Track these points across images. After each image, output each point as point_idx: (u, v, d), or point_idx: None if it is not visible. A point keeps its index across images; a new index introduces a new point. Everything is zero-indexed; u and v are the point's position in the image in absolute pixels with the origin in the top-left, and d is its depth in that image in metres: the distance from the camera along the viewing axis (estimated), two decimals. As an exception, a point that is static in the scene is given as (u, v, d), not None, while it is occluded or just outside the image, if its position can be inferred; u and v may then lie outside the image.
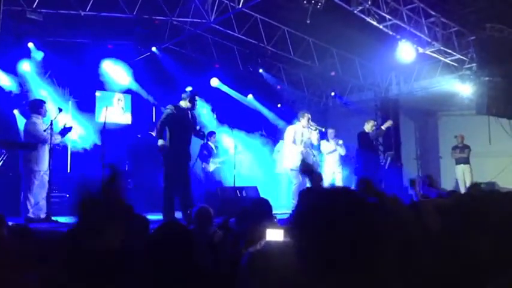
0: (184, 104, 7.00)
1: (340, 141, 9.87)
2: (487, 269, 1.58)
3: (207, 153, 9.95)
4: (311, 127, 8.28)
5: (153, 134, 9.69)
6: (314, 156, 8.42)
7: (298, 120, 8.49)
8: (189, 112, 7.01)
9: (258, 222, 2.63)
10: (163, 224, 2.32)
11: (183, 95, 7.09)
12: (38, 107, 6.98)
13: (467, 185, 10.86)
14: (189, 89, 7.65)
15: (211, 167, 9.90)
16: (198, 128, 7.15)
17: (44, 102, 7.15)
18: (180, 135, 6.83)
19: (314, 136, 8.32)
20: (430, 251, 1.97)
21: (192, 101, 6.99)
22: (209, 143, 10.13)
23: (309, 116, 8.39)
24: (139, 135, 10.38)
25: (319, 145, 9.58)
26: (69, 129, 7.04)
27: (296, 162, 8.10)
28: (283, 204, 9.21)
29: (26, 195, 6.76)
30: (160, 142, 6.72)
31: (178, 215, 6.81)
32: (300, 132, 8.32)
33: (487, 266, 1.70)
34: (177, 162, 6.80)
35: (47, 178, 6.80)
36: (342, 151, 9.80)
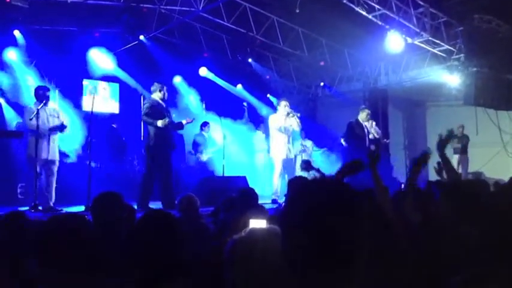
0: (157, 96, 7.07)
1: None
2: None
3: (200, 144, 9.94)
4: (289, 114, 8.29)
5: (114, 125, 9.69)
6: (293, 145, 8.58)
7: (277, 109, 8.58)
8: (163, 103, 7.06)
9: (243, 211, 2.63)
10: (148, 212, 2.30)
11: (153, 88, 7.18)
12: (36, 94, 6.81)
13: (463, 174, 10.94)
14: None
15: (204, 157, 9.90)
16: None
17: (42, 89, 6.87)
18: (160, 128, 6.87)
19: (294, 122, 8.34)
20: (411, 243, 1.99)
21: (163, 91, 7.07)
22: (203, 133, 10.13)
23: (287, 102, 8.44)
24: (114, 125, 10.31)
25: (301, 130, 9.64)
26: (63, 127, 6.83)
27: (282, 151, 8.18)
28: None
29: (30, 184, 6.76)
30: (160, 122, 6.80)
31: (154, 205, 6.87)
32: (282, 120, 8.35)
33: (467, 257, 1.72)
34: (159, 153, 6.88)
35: (53, 167, 6.71)
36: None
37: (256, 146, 11.13)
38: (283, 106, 8.37)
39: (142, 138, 9.19)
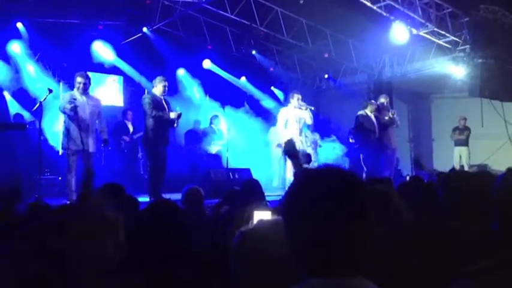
0: (157, 90, 6.98)
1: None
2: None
3: (209, 136, 9.94)
4: (302, 107, 8.25)
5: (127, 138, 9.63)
6: (307, 137, 8.47)
7: (289, 101, 8.51)
8: (162, 98, 6.98)
9: (247, 203, 2.61)
10: (153, 202, 2.29)
11: (153, 82, 7.10)
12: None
13: (465, 167, 10.90)
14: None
15: (213, 149, 9.90)
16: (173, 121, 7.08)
17: (79, 74, 6.62)
18: (159, 122, 6.82)
19: (307, 115, 8.30)
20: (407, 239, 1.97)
21: (164, 85, 6.97)
22: (212, 125, 10.13)
23: (299, 96, 8.38)
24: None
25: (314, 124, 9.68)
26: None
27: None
28: (276, 186, 9.23)
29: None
30: (172, 114, 6.84)
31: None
32: (293, 113, 8.30)
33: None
34: (158, 147, 6.87)
35: (73, 158, 6.47)
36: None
37: (273, 141, 10.99)
38: (296, 99, 8.30)
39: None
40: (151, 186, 6.77)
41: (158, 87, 6.98)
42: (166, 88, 7.05)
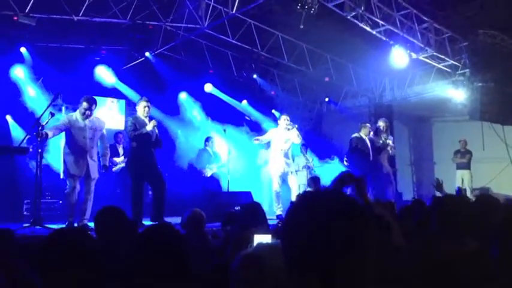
0: (139, 112, 6.95)
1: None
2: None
3: (204, 159, 9.91)
4: (288, 126, 8.32)
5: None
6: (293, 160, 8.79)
7: (278, 124, 8.67)
8: (146, 119, 6.92)
9: (246, 226, 2.60)
10: (151, 226, 2.29)
11: (136, 104, 7.09)
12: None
13: (467, 190, 10.85)
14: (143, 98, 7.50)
15: (209, 172, 9.86)
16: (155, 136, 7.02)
17: (86, 99, 6.52)
18: (142, 145, 6.80)
19: (294, 135, 8.35)
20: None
21: (146, 107, 6.93)
22: (207, 148, 10.10)
23: (286, 117, 8.49)
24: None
25: (302, 145, 10.01)
26: None
27: (279, 166, 8.26)
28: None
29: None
30: (149, 126, 6.80)
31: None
32: (281, 134, 8.40)
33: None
34: (142, 170, 6.80)
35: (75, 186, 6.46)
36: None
37: (262, 161, 11.05)
38: (283, 120, 8.43)
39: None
40: (133, 209, 6.63)
41: (139, 108, 6.96)
42: (149, 108, 6.98)
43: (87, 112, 6.44)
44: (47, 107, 6.36)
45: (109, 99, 11.11)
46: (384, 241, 2.03)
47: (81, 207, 6.44)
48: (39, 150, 6.16)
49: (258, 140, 8.68)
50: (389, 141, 9.13)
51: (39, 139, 6.06)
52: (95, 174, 6.56)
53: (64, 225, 6.04)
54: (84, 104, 6.44)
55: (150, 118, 7.00)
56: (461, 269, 1.76)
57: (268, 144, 8.91)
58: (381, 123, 9.35)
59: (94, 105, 6.54)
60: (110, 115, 10.98)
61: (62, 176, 6.80)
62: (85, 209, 6.42)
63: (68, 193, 6.36)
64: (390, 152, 9.15)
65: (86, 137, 6.45)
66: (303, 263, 1.14)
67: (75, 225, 6.22)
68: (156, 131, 7.00)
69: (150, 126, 6.79)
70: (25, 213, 8.26)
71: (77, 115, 6.51)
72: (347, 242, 1.12)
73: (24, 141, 6.56)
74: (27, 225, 6.00)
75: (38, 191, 6.17)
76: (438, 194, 5.54)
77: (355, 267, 1.12)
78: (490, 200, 2.57)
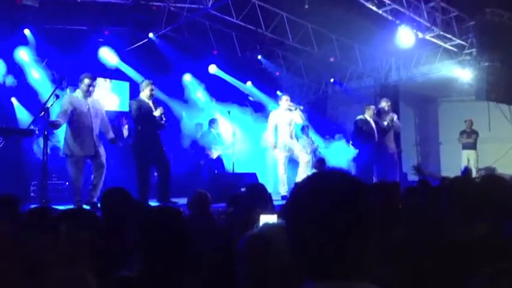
0: (144, 95, 6.91)
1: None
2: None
3: (208, 141, 9.92)
4: (291, 108, 8.25)
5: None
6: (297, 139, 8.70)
7: (279, 104, 8.56)
8: (150, 102, 6.89)
9: (251, 207, 2.61)
10: (156, 207, 2.30)
11: (140, 87, 7.02)
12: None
13: (473, 170, 10.82)
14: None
15: (214, 154, 9.89)
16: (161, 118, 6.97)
17: (87, 76, 6.53)
18: (147, 127, 6.79)
19: (297, 115, 8.29)
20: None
21: (149, 90, 6.88)
22: (211, 130, 10.11)
23: (287, 97, 8.41)
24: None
25: (305, 126, 9.99)
26: None
27: (284, 147, 8.22)
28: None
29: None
30: (157, 112, 6.82)
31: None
32: (283, 116, 8.32)
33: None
34: (146, 152, 6.80)
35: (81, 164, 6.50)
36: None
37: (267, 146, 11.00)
38: (285, 100, 8.33)
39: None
40: (140, 191, 6.66)
41: (145, 92, 6.89)
42: (154, 92, 6.98)
43: (91, 88, 6.47)
44: (53, 92, 6.34)
45: (101, 79, 11.01)
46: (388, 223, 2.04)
47: (92, 184, 6.52)
48: (45, 133, 6.17)
49: (274, 145, 8.43)
50: (394, 117, 9.13)
51: (54, 130, 6.30)
52: (103, 151, 6.59)
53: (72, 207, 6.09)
54: (86, 81, 6.45)
55: (155, 101, 7.00)
56: (474, 249, 1.77)
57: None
58: (384, 104, 9.31)
59: (95, 81, 6.59)
60: (102, 95, 10.88)
61: (61, 154, 6.74)
62: (96, 186, 6.47)
63: (74, 178, 6.37)
64: (395, 127, 9.14)
65: (90, 115, 6.44)
66: (307, 244, 1.14)
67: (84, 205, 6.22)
68: (164, 118, 6.97)
69: (157, 113, 6.79)
70: (32, 194, 8.32)
71: (77, 95, 6.51)
72: (351, 223, 1.12)
73: (32, 125, 6.59)
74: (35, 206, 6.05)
75: (44, 173, 6.20)
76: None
77: (359, 248, 1.13)
78: (498, 179, 2.56)
